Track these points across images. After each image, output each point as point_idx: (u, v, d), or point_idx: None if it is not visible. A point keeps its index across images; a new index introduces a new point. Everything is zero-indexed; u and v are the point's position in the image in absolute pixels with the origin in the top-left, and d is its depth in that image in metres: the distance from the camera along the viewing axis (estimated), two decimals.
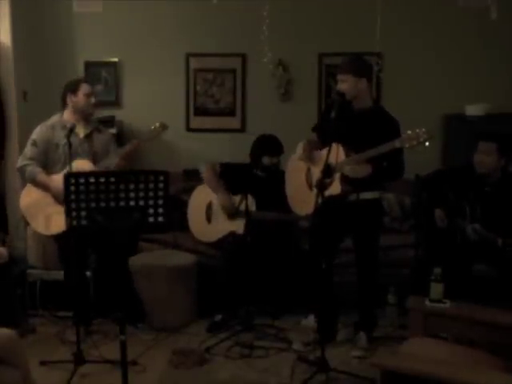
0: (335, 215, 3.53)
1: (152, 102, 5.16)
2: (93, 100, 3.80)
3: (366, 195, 3.52)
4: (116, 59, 5.16)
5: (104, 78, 5.15)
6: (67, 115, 3.80)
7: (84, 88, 3.77)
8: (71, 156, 3.47)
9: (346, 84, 3.46)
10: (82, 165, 3.62)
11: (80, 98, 3.76)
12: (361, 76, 3.47)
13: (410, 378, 2.36)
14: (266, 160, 4.18)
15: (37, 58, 5.05)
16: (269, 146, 4.21)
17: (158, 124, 3.78)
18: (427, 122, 4.66)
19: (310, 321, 3.96)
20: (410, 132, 3.19)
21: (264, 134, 4.29)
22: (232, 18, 5.02)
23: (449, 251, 3.64)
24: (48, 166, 3.74)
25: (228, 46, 5.10)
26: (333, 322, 3.80)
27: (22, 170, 3.76)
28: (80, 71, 5.13)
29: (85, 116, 3.81)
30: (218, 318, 4.04)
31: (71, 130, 3.47)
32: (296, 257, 4.14)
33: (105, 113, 4.90)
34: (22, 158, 3.78)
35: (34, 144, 3.73)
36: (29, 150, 3.75)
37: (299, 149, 3.71)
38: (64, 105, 3.82)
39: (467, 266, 3.59)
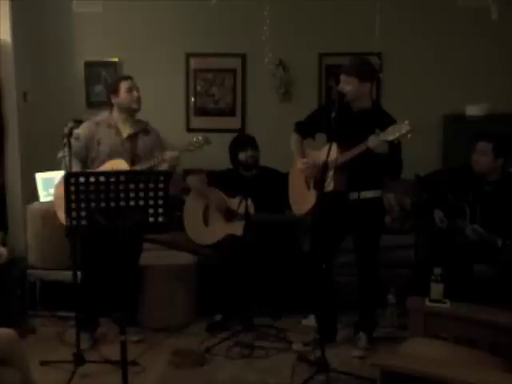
0: (337, 214, 3.53)
1: (152, 102, 5.13)
2: (135, 94, 3.73)
3: (368, 194, 3.52)
4: (116, 59, 5.15)
5: (104, 77, 5.14)
6: (115, 114, 3.79)
7: (124, 85, 3.73)
8: (110, 155, 3.59)
9: (349, 86, 3.46)
10: (117, 164, 3.56)
11: (122, 95, 3.72)
12: (365, 80, 3.48)
13: (410, 378, 2.36)
14: (241, 156, 4.19)
15: (37, 58, 5.04)
16: (239, 141, 4.30)
17: (200, 137, 3.66)
18: (427, 122, 4.73)
19: (310, 321, 3.96)
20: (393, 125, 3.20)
21: (236, 135, 4.47)
22: (232, 18, 5.02)
23: (449, 251, 3.64)
24: (87, 162, 3.73)
25: (228, 45, 5.09)
26: (333, 322, 3.79)
27: (60, 160, 3.74)
28: (80, 71, 5.13)
29: (132, 112, 3.76)
30: (218, 317, 4.05)
31: (71, 129, 3.46)
32: (296, 257, 4.14)
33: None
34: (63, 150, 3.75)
35: (77, 138, 3.67)
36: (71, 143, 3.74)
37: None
38: (111, 106, 3.80)
39: (467, 266, 3.59)
